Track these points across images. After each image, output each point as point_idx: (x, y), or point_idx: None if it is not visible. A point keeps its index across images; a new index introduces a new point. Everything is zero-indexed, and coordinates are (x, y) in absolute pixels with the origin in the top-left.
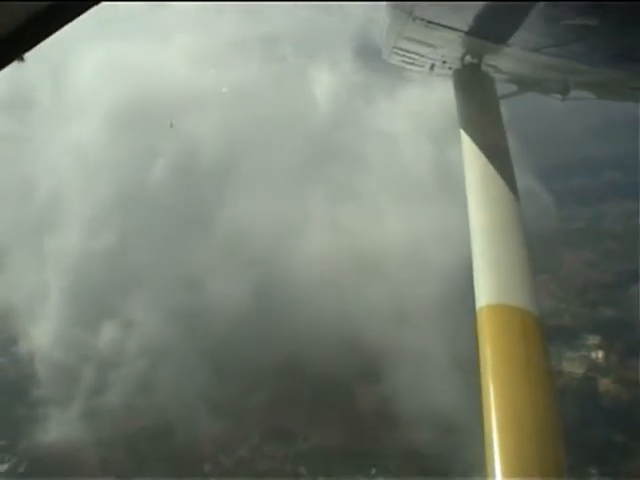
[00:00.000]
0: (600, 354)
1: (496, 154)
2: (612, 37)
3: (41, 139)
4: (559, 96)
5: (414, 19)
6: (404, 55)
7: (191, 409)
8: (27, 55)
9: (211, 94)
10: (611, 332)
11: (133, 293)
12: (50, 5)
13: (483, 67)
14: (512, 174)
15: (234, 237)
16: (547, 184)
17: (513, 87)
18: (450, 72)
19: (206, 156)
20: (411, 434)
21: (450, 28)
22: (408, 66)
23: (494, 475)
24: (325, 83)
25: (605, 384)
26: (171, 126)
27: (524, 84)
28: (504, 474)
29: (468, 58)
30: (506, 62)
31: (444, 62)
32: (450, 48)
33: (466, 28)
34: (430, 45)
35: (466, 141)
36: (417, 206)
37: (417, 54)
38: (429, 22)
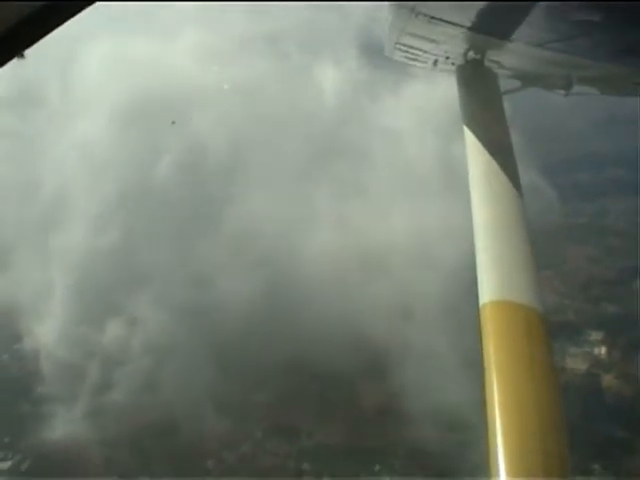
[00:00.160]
0: (603, 350)
1: (499, 150)
2: (615, 32)
3: (46, 136)
4: (562, 91)
5: (417, 15)
6: (407, 51)
7: (196, 406)
8: (32, 52)
9: (216, 91)
10: (614, 328)
11: (139, 291)
12: (45, 5)
13: (486, 63)
14: (515, 169)
15: (239, 234)
16: (550, 179)
17: (516, 83)
18: (453, 68)
19: (212, 153)
20: (416, 432)
21: (453, 24)
22: (411, 62)
23: (498, 472)
24: (329, 80)
25: (608, 380)
26: (173, 124)
27: (527, 80)
28: (508, 471)
29: (471, 54)
30: (509, 58)
31: (447, 58)
32: (453, 44)
33: (469, 24)
34: (433, 41)
35: (469, 137)
36: (422, 202)
37: (420, 50)
38: (432, 18)
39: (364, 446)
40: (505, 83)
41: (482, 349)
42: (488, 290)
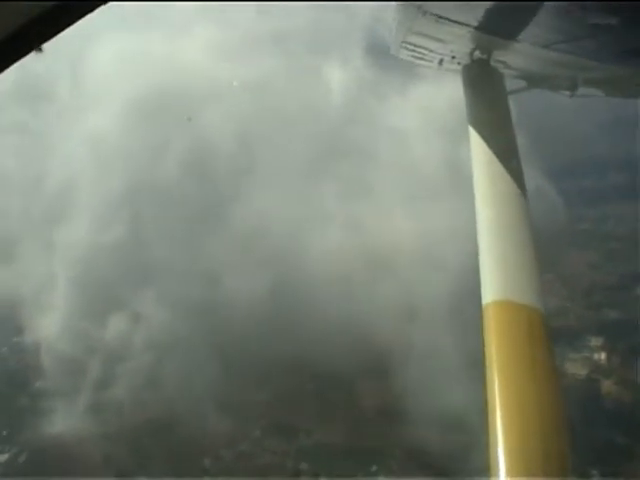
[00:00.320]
0: (603, 356)
1: (504, 150)
2: (621, 34)
3: (55, 131)
4: (567, 93)
5: (424, 14)
6: (413, 50)
7: (196, 404)
8: (44, 48)
9: (226, 88)
10: (614, 334)
11: (143, 287)
12: (56, 5)
13: (492, 63)
14: (520, 170)
15: (246, 232)
16: (554, 182)
17: (522, 83)
18: (459, 67)
19: (220, 150)
20: (416, 432)
21: (460, 23)
22: (417, 61)
23: (498, 472)
24: (336, 79)
25: (608, 386)
26: (189, 120)
27: (533, 80)
28: (508, 471)
29: (477, 53)
30: (515, 58)
31: (453, 57)
32: (459, 43)
33: (476, 23)
34: (439, 40)
35: (474, 137)
36: (428, 203)
37: (426, 49)
38: (439, 17)
39: (363, 446)
40: (511, 83)
41: (484, 349)
42: (491, 290)
